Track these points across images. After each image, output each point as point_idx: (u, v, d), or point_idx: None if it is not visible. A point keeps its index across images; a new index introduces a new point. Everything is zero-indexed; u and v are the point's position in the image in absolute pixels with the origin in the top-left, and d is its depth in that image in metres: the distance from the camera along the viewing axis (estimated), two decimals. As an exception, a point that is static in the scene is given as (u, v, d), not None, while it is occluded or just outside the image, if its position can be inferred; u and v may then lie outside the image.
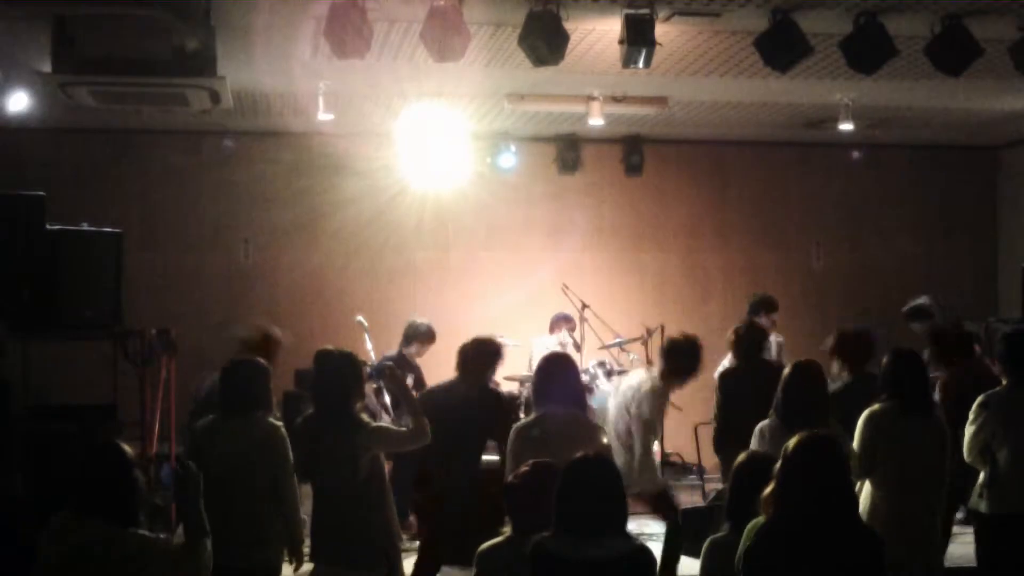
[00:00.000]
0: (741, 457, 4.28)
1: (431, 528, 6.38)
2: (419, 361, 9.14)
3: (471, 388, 6.38)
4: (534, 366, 10.27)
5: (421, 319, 9.17)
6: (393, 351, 9.15)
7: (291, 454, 5.24)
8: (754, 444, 5.36)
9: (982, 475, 5.84)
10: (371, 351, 9.07)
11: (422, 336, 9.11)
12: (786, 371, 5.49)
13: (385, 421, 7.79)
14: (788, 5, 6.65)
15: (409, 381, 8.76)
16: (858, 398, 5.84)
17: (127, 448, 3.82)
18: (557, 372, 5.67)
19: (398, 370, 5.76)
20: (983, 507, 5.84)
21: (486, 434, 6.48)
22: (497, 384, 9.00)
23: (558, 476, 3.97)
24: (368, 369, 5.64)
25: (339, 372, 5.29)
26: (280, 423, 5.29)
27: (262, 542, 5.14)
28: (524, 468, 4.26)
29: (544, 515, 3.86)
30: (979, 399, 5.85)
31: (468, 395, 6.32)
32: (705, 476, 9.76)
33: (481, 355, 6.46)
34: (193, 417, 5.99)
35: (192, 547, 3.80)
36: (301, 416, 5.44)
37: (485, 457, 8.81)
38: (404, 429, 5.39)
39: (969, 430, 5.83)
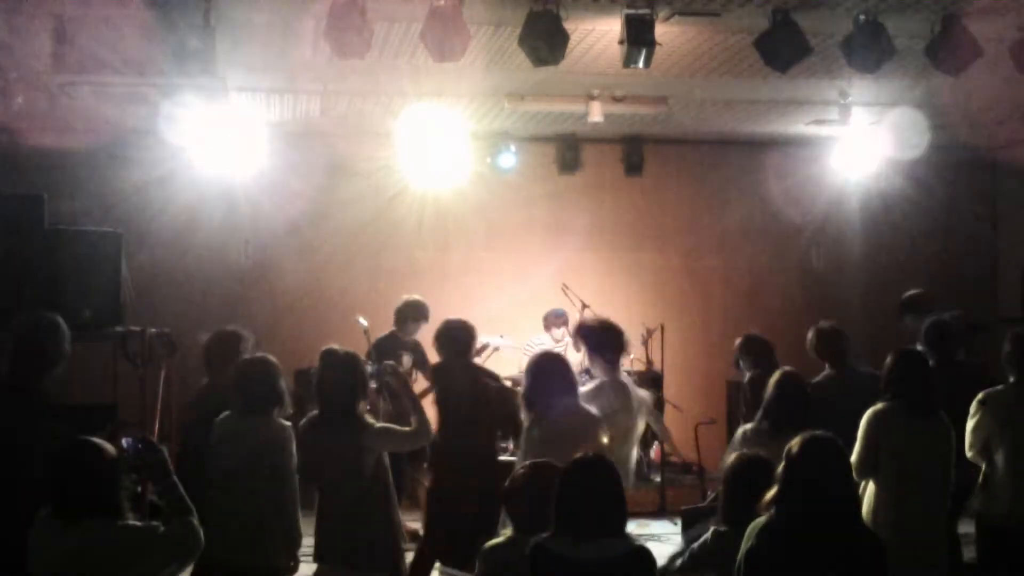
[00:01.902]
0: (733, 459, 4.29)
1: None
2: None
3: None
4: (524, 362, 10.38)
5: (411, 296, 9.15)
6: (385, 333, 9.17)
7: (295, 455, 5.26)
8: (734, 447, 5.40)
9: (982, 471, 5.87)
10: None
11: (416, 312, 9.16)
12: (773, 379, 5.59)
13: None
14: (788, 5, 6.66)
15: (407, 361, 8.83)
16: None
17: (105, 444, 3.81)
18: (552, 369, 5.62)
19: (400, 369, 5.75)
20: (977, 505, 5.89)
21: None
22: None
23: (558, 476, 3.98)
24: (370, 368, 5.62)
25: (344, 372, 5.29)
26: (288, 423, 5.30)
27: (267, 540, 5.15)
28: (522, 468, 4.26)
29: (545, 515, 3.87)
30: (979, 396, 5.86)
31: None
32: (705, 476, 9.76)
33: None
34: (193, 410, 5.95)
35: (181, 529, 3.80)
36: (304, 416, 5.45)
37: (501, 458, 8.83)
38: (407, 429, 5.39)
39: (969, 426, 5.85)
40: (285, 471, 5.19)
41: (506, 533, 4.15)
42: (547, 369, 5.59)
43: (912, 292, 8.32)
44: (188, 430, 5.80)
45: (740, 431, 5.59)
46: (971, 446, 5.86)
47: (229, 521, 4.85)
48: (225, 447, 5.14)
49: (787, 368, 5.75)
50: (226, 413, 5.31)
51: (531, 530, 3.92)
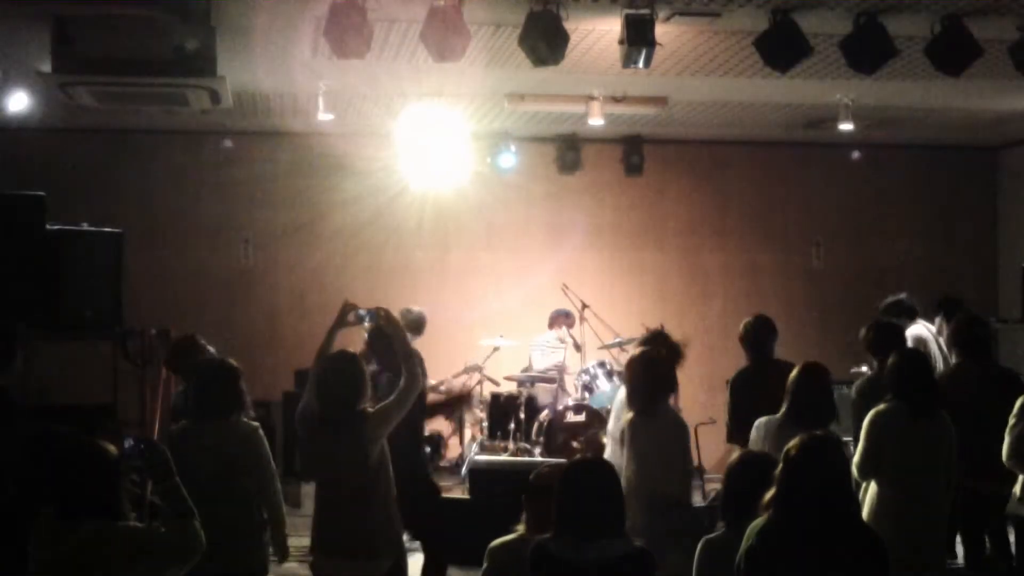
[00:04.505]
0: (734, 457, 4.27)
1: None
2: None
3: None
4: (534, 365, 10.40)
5: (415, 308, 8.82)
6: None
7: (271, 454, 5.28)
8: (752, 437, 5.40)
9: (1021, 478, 5.76)
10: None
11: (412, 324, 9.02)
12: (794, 372, 5.50)
13: None
14: (788, 5, 6.65)
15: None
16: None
17: (107, 444, 3.81)
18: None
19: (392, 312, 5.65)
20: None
21: None
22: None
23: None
24: (361, 312, 5.53)
25: (345, 371, 5.28)
26: (257, 424, 5.31)
27: (250, 543, 5.15)
28: (540, 468, 4.25)
29: None
30: (1021, 400, 5.72)
31: None
32: (705, 476, 9.75)
33: None
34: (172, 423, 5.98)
35: (183, 530, 3.80)
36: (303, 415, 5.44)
37: (495, 458, 8.83)
38: (396, 394, 5.34)
39: (1011, 433, 5.67)
40: (257, 472, 5.21)
41: (518, 530, 4.14)
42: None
43: (895, 299, 8.45)
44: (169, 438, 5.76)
45: (756, 424, 5.46)
46: (1013, 452, 5.66)
47: (211, 527, 4.80)
48: (186, 454, 5.09)
49: (810, 361, 5.60)
50: (185, 421, 5.31)
51: (542, 529, 3.92)
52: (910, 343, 7.88)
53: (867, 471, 5.40)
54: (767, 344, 6.75)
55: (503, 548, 4.10)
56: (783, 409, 5.42)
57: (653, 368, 5.75)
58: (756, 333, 6.77)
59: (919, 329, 8.58)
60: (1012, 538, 6.27)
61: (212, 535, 3.92)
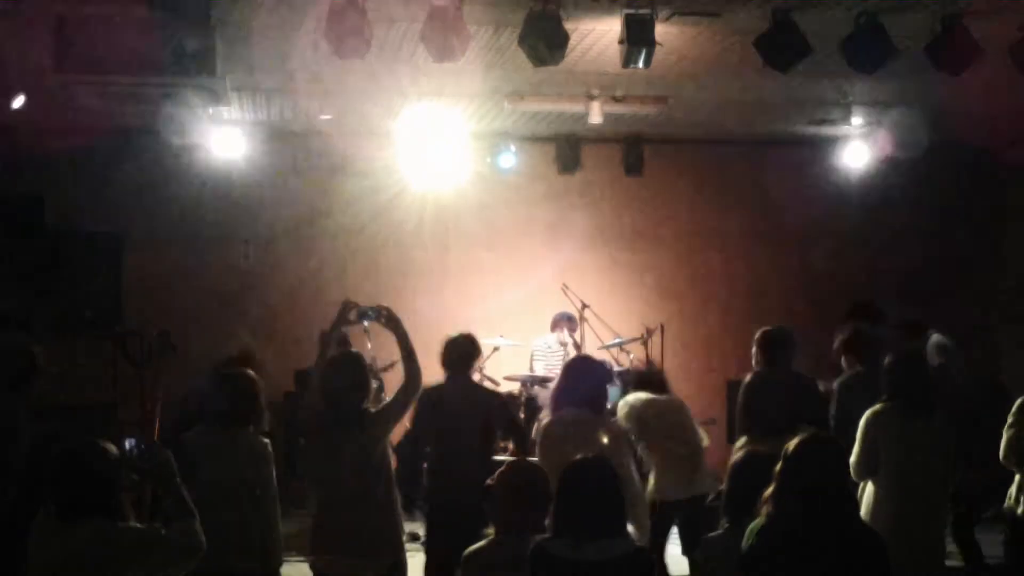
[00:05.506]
0: (738, 456, 4.28)
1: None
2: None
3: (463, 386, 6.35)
4: (534, 366, 10.40)
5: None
6: None
7: (274, 476, 5.30)
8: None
9: (1017, 477, 5.81)
10: (371, 351, 9.08)
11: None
12: (744, 382, 5.50)
13: None
14: (788, 5, 6.66)
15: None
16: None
17: (107, 444, 3.81)
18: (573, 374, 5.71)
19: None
20: (1020, 511, 5.81)
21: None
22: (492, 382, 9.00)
23: (538, 476, 3.99)
24: (362, 310, 5.52)
25: (349, 373, 5.28)
26: (267, 440, 5.33)
27: (259, 551, 5.16)
28: (502, 469, 4.24)
29: (525, 514, 3.87)
30: (1020, 400, 5.79)
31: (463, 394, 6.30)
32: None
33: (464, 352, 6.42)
34: (178, 427, 5.96)
35: (183, 531, 3.80)
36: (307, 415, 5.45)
37: (495, 457, 8.81)
38: (396, 393, 5.37)
39: (1008, 432, 5.77)
40: (271, 480, 5.25)
41: (488, 534, 4.12)
42: (568, 371, 5.75)
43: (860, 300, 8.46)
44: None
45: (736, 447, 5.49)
46: (1009, 452, 5.76)
47: (222, 534, 4.80)
48: (209, 461, 5.10)
49: (757, 370, 5.62)
50: (201, 427, 5.30)
51: (513, 530, 3.92)
52: (932, 350, 7.91)
53: (864, 471, 5.40)
54: (782, 353, 6.62)
55: (477, 554, 4.08)
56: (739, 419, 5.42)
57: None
58: (773, 341, 6.70)
59: (939, 338, 8.52)
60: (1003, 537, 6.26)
61: (212, 536, 3.93)
